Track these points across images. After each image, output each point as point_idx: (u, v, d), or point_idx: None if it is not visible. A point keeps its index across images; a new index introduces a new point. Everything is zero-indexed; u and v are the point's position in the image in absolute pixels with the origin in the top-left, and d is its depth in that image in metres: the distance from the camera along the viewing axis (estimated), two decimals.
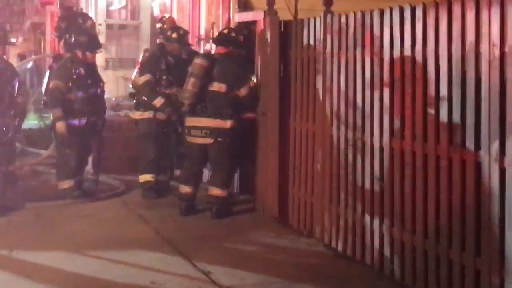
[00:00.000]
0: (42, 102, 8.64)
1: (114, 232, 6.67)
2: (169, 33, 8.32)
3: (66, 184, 7.97)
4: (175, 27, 8.58)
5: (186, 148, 7.61)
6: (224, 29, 8.00)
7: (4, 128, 7.50)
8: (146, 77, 8.05)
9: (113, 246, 6.17)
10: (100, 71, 8.92)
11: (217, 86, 7.28)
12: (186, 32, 8.45)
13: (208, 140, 7.26)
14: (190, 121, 7.38)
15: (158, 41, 9.00)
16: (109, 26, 13.73)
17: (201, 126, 7.29)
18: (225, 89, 7.27)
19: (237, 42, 7.57)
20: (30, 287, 5.14)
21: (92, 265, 5.65)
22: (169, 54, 8.18)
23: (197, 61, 7.39)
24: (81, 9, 11.43)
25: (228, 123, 7.24)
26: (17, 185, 8.22)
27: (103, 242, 6.29)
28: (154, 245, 6.24)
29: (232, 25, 8.44)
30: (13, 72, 7.89)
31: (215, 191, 7.28)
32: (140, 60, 8.87)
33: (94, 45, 8.24)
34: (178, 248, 6.07)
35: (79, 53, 8.03)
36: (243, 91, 7.33)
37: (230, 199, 7.53)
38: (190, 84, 7.30)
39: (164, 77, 8.08)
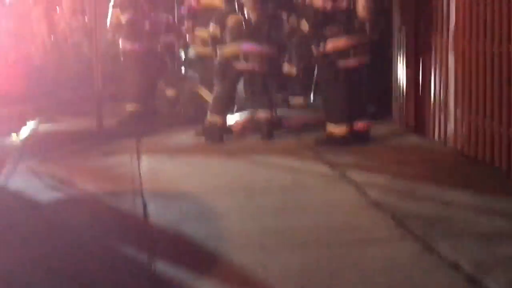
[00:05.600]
0: None
1: (258, 143, 7.30)
2: None
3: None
4: None
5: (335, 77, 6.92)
6: None
7: None
8: None
9: (260, 152, 6.84)
10: None
11: None
12: None
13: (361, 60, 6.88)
14: (336, 41, 6.83)
15: None
16: None
17: (353, 45, 6.82)
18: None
19: None
20: (188, 182, 5.78)
21: (240, 167, 6.30)
22: None
23: None
24: None
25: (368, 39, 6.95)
26: None
27: (249, 150, 6.93)
28: (297, 152, 6.81)
29: None
30: None
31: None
32: None
33: None
34: (319, 155, 6.60)
35: None
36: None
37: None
38: None
39: None
